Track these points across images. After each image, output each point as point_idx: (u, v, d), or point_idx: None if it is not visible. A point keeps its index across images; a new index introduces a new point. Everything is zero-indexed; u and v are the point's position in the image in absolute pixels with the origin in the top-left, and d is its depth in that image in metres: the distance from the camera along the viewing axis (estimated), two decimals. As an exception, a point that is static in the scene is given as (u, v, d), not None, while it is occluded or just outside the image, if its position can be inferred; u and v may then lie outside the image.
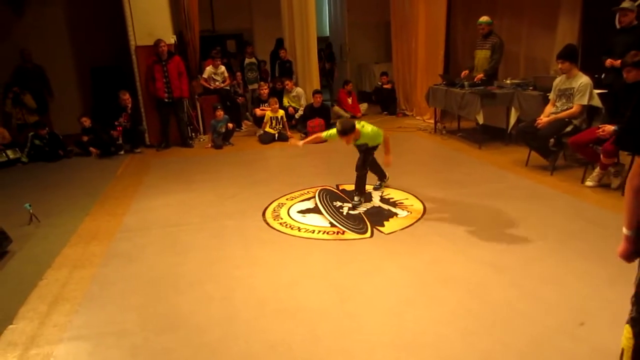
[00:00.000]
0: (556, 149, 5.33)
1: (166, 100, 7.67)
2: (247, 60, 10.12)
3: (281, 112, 8.11)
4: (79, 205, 5.16)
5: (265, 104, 8.33)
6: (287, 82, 8.87)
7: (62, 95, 9.09)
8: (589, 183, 4.88)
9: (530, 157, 5.68)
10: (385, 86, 10.18)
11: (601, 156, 4.68)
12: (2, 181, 6.53)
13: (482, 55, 7.12)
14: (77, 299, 3.21)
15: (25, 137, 7.55)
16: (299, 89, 8.97)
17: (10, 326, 2.93)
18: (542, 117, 5.37)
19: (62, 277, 3.55)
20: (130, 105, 7.67)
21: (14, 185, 6.33)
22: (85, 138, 7.62)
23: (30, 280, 3.50)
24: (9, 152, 7.34)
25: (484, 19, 6.99)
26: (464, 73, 7.37)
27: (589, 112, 5.22)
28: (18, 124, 8.17)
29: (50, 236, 4.38)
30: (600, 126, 4.70)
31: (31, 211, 4.68)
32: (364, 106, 10.21)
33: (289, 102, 8.87)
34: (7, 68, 8.48)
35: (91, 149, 7.56)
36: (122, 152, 7.65)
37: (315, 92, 8.58)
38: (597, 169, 4.83)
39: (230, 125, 7.81)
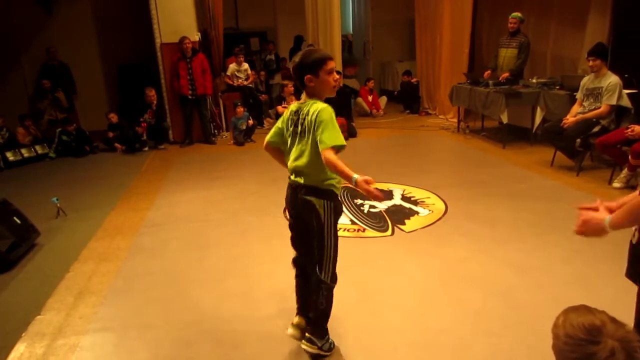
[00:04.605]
0: (583, 150, 5.22)
1: (190, 97, 7.76)
2: (268, 57, 10.33)
3: None
4: (104, 200, 5.26)
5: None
6: None
7: (89, 92, 9.28)
8: (616, 184, 4.77)
9: (555, 158, 5.58)
10: (412, 81, 10.12)
11: (629, 157, 4.57)
12: (31, 176, 6.71)
13: (508, 54, 7.00)
14: (102, 292, 3.28)
15: (53, 133, 7.74)
16: None
17: (38, 317, 3.01)
18: (568, 116, 5.27)
19: (88, 270, 3.63)
20: (155, 101, 7.79)
21: (42, 179, 6.49)
22: (110, 134, 7.78)
23: (57, 273, 3.59)
24: (38, 148, 7.54)
25: (517, 14, 6.89)
26: (487, 74, 7.27)
27: (618, 112, 5.10)
28: (49, 119, 8.45)
29: (77, 230, 4.48)
30: (629, 126, 4.60)
31: (58, 205, 4.79)
32: (383, 100, 10.13)
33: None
34: (38, 66, 8.77)
35: (116, 144, 7.71)
36: (146, 149, 7.77)
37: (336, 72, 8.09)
38: (625, 171, 4.71)
39: (250, 122, 7.85)
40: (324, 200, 2.25)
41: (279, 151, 2.47)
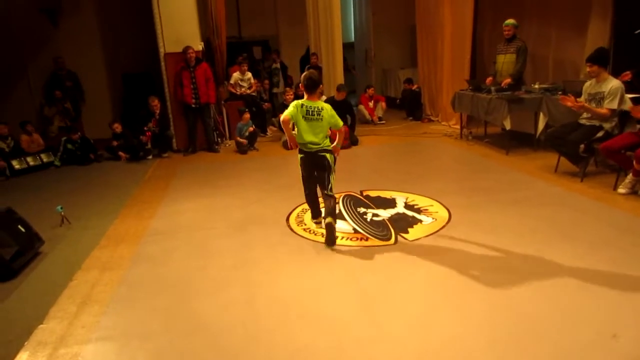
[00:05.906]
0: (587, 155, 5.20)
1: (193, 105, 7.80)
2: (273, 65, 10.36)
3: None
4: (108, 208, 5.28)
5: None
6: None
7: (93, 101, 9.37)
8: (621, 190, 4.74)
9: (559, 164, 5.56)
10: (413, 88, 10.13)
11: (634, 162, 4.55)
12: (36, 184, 6.74)
13: (506, 59, 6.99)
14: (105, 301, 3.28)
15: (58, 141, 7.80)
16: (322, 97, 9.00)
17: (41, 326, 3.01)
18: (572, 102, 5.17)
19: (91, 278, 3.63)
20: (158, 110, 7.83)
21: (46, 188, 6.52)
22: (115, 143, 7.83)
23: (60, 281, 3.59)
24: (43, 156, 7.59)
25: (511, 20, 6.92)
26: (489, 80, 7.26)
27: (621, 117, 5.09)
28: (59, 126, 8.65)
29: (81, 238, 4.49)
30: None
31: (62, 213, 4.81)
32: (381, 105, 10.10)
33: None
34: (44, 76, 8.86)
35: (120, 153, 7.74)
36: (150, 157, 7.79)
37: (340, 89, 7.95)
38: (630, 176, 4.69)
39: (251, 128, 7.88)
40: (330, 154, 4.04)
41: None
